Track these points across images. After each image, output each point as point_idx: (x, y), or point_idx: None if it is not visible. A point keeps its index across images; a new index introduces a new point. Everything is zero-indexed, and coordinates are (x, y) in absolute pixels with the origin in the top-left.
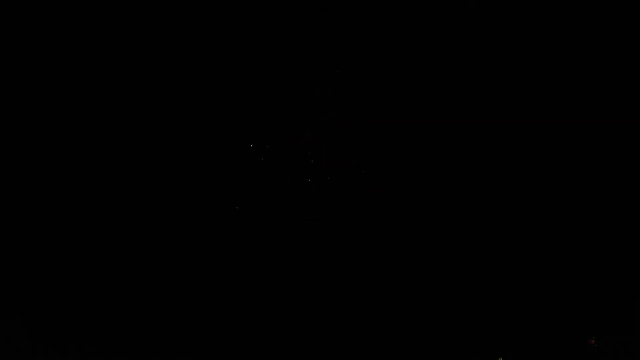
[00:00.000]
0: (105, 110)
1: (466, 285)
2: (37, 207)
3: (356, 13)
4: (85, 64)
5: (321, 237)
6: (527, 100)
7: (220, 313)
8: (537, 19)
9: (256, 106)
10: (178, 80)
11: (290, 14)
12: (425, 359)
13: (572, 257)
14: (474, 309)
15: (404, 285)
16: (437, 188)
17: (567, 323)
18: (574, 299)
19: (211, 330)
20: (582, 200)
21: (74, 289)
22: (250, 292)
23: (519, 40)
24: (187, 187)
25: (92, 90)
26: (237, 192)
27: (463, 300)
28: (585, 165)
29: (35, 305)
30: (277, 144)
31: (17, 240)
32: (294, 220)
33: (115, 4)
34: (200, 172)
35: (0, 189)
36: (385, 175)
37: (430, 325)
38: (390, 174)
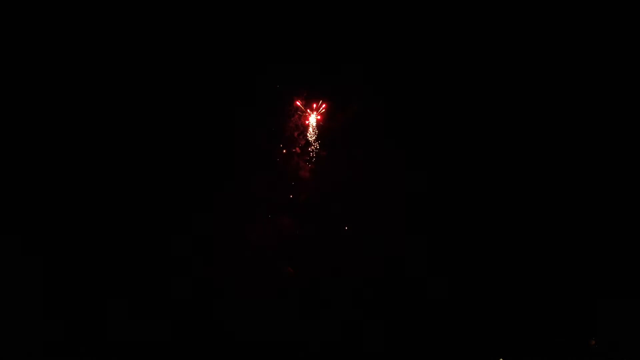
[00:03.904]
0: (89, 114)
1: (466, 286)
2: (34, 210)
3: (351, 14)
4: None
5: (318, 237)
6: (527, 101)
7: (219, 313)
8: (537, 19)
9: (248, 108)
10: (170, 84)
11: (288, 15)
12: (426, 359)
13: (572, 258)
14: (475, 310)
15: (404, 285)
16: (437, 189)
17: (568, 323)
18: (574, 299)
19: (211, 331)
20: (582, 200)
21: (72, 289)
22: (248, 292)
23: (519, 41)
24: (180, 189)
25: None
26: (233, 192)
27: (463, 302)
28: (585, 166)
29: (35, 305)
30: (269, 147)
31: (17, 242)
32: (289, 220)
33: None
34: (193, 173)
35: None
36: (383, 175)
37: (430, 326)
38: (386, 175)
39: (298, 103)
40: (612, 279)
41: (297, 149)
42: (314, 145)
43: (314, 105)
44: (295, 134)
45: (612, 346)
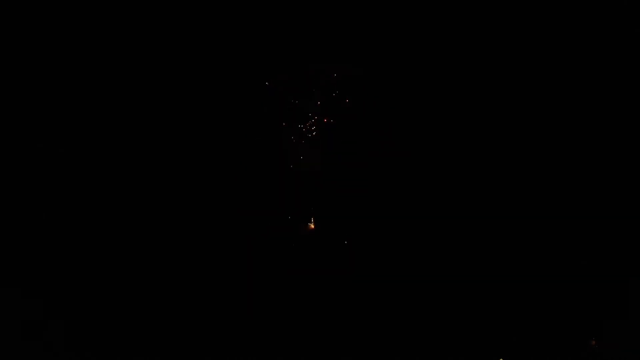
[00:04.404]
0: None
1: (466, 287)
2: (35, 210)
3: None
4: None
5: (316, 238)
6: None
7: (218, 313)
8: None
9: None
10: (175, 83)
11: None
12: (426, 359)
13: (572, 258)
14: (475, 310)
15: (404, 285)
16: (436, 189)
17: (568, 324)
18: (574, 300)
19: (210, 331)
20: (582, 201)
21: (72, 290)
22: (247, 292)
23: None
24: (184, 189)
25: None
26: (233, 193)
27: (464, 302)
28: (585, 166)
29: (35, 306)
30: (270, 148)
31: (17, 242)
32: (287, 220)
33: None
34: (196, 174)
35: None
36: (381, 177)
37: (430, 327)
38: (384, 177)
39: (296, 103)
40: (612, 279)
41: (296, 149)
42: (312, 146)
43: (316, 103)
44: (292, 137)
45: (612, 346)
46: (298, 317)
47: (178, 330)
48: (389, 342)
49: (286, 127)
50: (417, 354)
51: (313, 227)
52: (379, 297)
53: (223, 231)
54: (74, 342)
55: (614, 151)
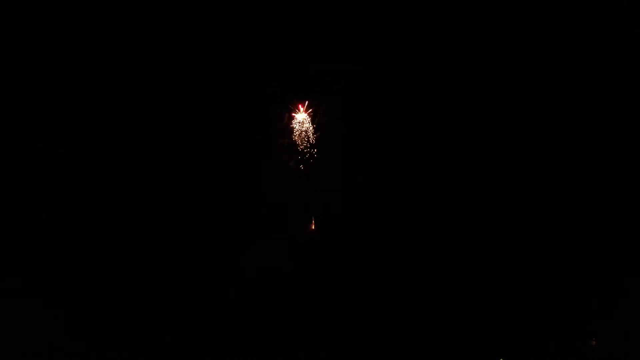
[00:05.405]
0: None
1: (467, 286)
2: (36, 209)
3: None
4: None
5: (317, 238)
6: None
7: (220, 313)
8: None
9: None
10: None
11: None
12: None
13: (572, 258)
14: (475, 310)
15: (404, 285)
16: (436, 189)
17: (568, 324)
18: (574, 300)
19: (211, 331)
20: (583, 201)
21: (72, 290)
22: (248, 292)
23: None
24: (186, 190)
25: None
26: (235, 193)
27: (463, 301)
28: (585, 166)
29: (35, 305)
30: (273, 147)
31: (17, 242)
32: (289, 221)
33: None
34: (198, 175)
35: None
36: (381, 178)
37: (430, 326)
38: (385, 177)
39: (295, 104)
40: (612, 279)
41: (296, 148)
42: (308, 146)
43: (310, 106)
44: (287, 137)
45: (612, 346)
46: (298, 317)
47: (177, 330)
48: (389, 342)
49: (286, 127)
50: (417, 354)
51: (313, 227)
52: (379, 297)
53: (223, 231)
54: (74, 341)
55: (613, 151)
